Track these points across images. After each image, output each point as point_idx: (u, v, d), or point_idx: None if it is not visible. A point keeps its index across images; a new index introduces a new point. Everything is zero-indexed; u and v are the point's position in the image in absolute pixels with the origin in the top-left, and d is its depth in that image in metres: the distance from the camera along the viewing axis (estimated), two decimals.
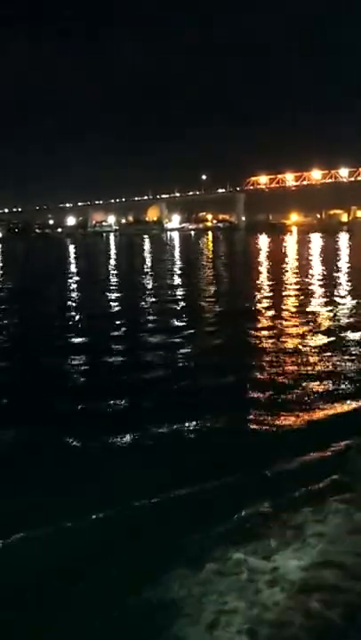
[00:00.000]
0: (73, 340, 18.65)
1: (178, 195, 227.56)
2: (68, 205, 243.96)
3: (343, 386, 12.34)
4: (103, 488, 8.00)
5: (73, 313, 24.65)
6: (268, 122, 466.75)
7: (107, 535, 6.86)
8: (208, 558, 6.18)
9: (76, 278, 42.89)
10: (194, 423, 10.31)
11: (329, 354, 15.09)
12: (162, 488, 7.77)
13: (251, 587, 5.68)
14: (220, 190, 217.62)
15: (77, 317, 23.32)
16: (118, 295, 30.32)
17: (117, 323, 21.08)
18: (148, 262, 58.67)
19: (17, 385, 13.50)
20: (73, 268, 55.23)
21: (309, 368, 13.81)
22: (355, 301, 23.74)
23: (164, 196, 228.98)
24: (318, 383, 12.54)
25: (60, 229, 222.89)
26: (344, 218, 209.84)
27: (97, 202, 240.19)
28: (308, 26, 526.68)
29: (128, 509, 7.32)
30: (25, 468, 8.88)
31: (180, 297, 28.09)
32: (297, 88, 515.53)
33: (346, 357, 14.64)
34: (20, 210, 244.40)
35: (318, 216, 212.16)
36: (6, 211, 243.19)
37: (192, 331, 18.91)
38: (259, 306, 24.06)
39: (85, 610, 5.67)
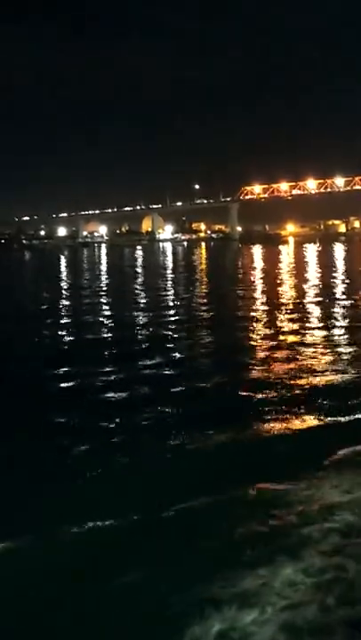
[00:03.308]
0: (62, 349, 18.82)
1: (172, 205, 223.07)
2: (64, 215, 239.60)
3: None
4: (101, 498, 8.05)
5: None
6: (266, 133, 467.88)
7: (107, 543, 6.89)
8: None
9: None
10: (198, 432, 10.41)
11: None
12: (161, 497, 7.91)
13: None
14: (213, 200, 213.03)
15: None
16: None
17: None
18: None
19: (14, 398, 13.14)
20: None
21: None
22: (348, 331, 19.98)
23: (156, 205, 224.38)
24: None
25: (46, 240, 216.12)
26: (342, 228, 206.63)
27: (91, 212, 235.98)
28: (307, 35, 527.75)
29: (130, 519, 7.42)
30: (25, 477, 8.81)
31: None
32: (294, 97, 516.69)
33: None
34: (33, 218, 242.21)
35: (317, 227, 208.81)
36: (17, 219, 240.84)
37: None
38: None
39: (85, 612, 5.76)
